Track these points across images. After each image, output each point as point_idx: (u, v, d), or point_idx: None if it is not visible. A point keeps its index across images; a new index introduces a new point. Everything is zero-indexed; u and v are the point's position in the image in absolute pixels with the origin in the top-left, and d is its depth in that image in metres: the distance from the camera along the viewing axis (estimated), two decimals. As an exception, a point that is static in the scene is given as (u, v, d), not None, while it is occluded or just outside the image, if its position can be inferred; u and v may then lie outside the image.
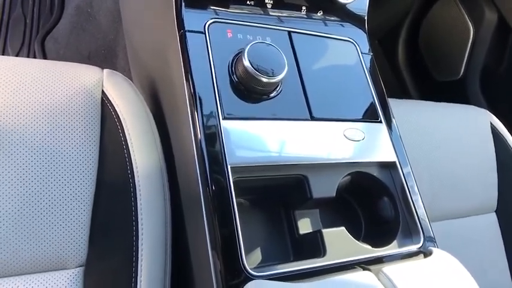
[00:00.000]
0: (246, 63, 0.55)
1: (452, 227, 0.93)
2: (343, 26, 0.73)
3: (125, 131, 0.60)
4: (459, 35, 1.45)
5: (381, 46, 1.75)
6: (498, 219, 1.00)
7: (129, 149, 0.59)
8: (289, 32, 0.66)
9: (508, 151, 1.06)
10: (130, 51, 0.89)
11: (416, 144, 0.91)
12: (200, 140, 0.53)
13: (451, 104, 1.11)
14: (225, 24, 0.62)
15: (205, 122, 0.54)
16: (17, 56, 1.13)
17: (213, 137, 0.53)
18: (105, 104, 0.62)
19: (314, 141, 0.58)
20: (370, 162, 0.61)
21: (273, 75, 0.56)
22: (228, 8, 0.63)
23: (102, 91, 0.63)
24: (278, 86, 0.59)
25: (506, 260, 1.00)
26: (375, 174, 0.62)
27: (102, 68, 0.68)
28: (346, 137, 0.61)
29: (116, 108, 0.62)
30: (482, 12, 1.40)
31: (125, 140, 0.60)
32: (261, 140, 0.55)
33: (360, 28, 0.74)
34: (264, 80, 0.55)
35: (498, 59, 1.44)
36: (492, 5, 1.40)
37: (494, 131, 1.07)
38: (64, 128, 0.57)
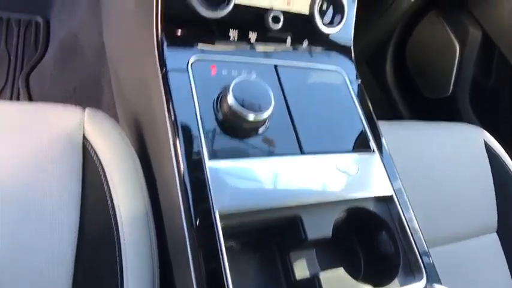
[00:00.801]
0: (231, 100, 0.53)
1: (453, 251, 0.90)
2: (329, 55, 0.71)
3: (108, 178, 0.57)
4: (446, 53, 1.46)
5: (369, 67, 1.75)
6: (500, 239, 0.98)
7: (112, 197, 0.56)
8: (275, 66, 0.65)
9: (503, 168, 1.04)
10: (116, 86, 0.87)
11: (410, 168, 0.89)
12: (185, 184, 0.51)
13: (443, 123, 1.10)
14: (208, 61, 0.60)
15: (189, 163, 0.52)
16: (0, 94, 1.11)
17: (198, 179, 0.51)
18: (87, 148, 0.59)
19: (306, 178, 0.56)
20: (366, 198, 0.59)
21: (260, 112, 0.54)
22: (211, 44, 0.61)
23: (84, 135, 0.60)
24: (266, 121, 0.57)
25: (511, 279, 0.97)
26: (371, 209, 0.59)
27: (88, 103, 0.65)
28: (339, 170, 0.59)
29: (98, 152, 0.59)
30: (467, 29, 1.41)
31: (108, 187, 0.57)
32: (250, 180, 0.52)
33: (346, 56, 0.73)
34: (251, 117, 0.53)
35: (486, 74, 1.44)
36: (475, 22, 1.42)
37: (489, 148, 1.06)
38: (42, 178, 0.54)
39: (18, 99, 1.09)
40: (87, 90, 0.96)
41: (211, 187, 0.50)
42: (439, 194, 0.90)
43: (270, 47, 0.66)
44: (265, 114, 0.54)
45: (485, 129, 1.10)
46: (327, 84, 0.69)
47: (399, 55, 1.65)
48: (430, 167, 0.93)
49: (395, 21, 1.63)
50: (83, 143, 0.59)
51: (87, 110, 0.63)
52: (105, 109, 0.93)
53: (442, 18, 1.49)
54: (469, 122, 1.46)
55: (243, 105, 0.53)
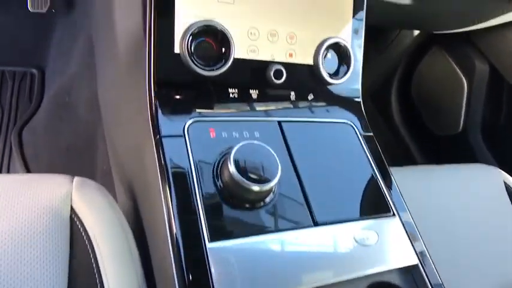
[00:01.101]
0: (232, 169, 0.47)
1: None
2: (336, 107, 0.66)
3: (96, 254, 0.51)
4: (453, 88, 1.41)
5: (374, 102, 1.71)
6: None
7: (101, 275, 0.50)
8: (279, 122, 0.60)
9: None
10: (110, 145, 0.82)
11: (429, 218, 0.82)
12: (182, 268, 0.44)
13: (459, 166, 1.04)
14: (207, 123, 0.55)
15: (187, 245, 0.45)
16: (-9, 153, 1.06)
17: (198, 264, 0.44)
18: (74, 222, 0.54)
19: (322, 254, 0.49)
20: (389, 270, 0.52)
21: (265, 182, 0.48)
22: (209, 105, 0.56)
23: (71, 207, 0.54)
24: (273, 189, 0.51)
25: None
26: (396, 283, 0.52)
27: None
28: (357, 241, 0.52)
29: (87, 227, 0.53)
30: (473, 63, 1.37)
31: (96, 264, 0.51)
32: (258, 263, 0.46)
33: (355, 106, 0.68)
34: (255, 188, 0.47)
35: (497, 108, 1.39)
36: (481, 56, 1.38)
37: (510, 190, 0.99)
38: (27, 255, 0.49)
39: (10, 156, 1.04)
40: (80, 148, 0.92)
41: (213, 273, 0.44)
42: (463, 247, 0.83)
43: (272, 103, 0.61)
44: (272, 184, 0.48)
45: (501, 166, 1.04)
46: (337, 138, 0.63)
47: (404, 91, 1.61)
48: (449, 215, 0.86)
49: (398, 57, 1.60)
50: (71, 215, 0.54)
51: (75, 180, 0.58)
52: (99, 169, 0.88)
53: (446, 53, 1.45)
54: (483, 159, 1.40)
55: (246, 176, 0.47)
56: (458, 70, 1.40)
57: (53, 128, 1.01)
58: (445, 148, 1.48)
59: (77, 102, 0.96)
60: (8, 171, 1.03)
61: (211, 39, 0.56)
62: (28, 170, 1.00)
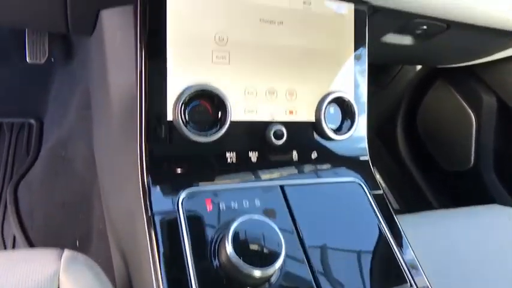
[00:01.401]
0: (230, 250, 0.43)
1: None
2: (342, 165, 0.62)
3: None
4: (461, 122, 1.37)
5: (380, 138, 1.67)
6: None
7: None
8: (282, 187, 0.55)
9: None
10: (105, 204, 0.78)
11: (448, 267, 0.76)
12: None
13: (475, 209, 0.98)
14: (202, 194, 0.51)
15: None
16: (-15, 210, 1.02)
17: None
18: None
19: None
20: None
21: (267, 265, 0.43)
22: (205, 172, 0.53)
23: (58, 286, 0.51)
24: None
25: None
26: None
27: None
28: (372, 324, 0.47)
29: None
30: (480, 97, 1.34)
31: None
32: None
33: (362, 163, 0.64)
34: (256, 274, 0.42)
35: (508, 142, 1.34)
36: (487, 88, 1.34)
37: (529, 232, 0.93)
38: None
39: (4, 213, 1.00)
40: (76, 205, 0.88)
41: None
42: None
43: (274, 166, 0.57)
44: (275, 268, 0.43)
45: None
46: (344, 199, 0.59)
47: (410, 125, 1.57)
48: (468, 261, 0.81)
49: (401, 91, 1.57)
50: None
51: (64, 256, 0.54)
52: (95, 228, 0.83)
53: (451, 86, 1.42)
54: (497, 195, 1.34)
55: (245, 257, 0.42)
56: (465, 104, 1.37)
57: (49, 183, 0.98)
58: (456, 184, 1.42)
59: (74, 156, 0.94)
60: (2, 229, 0.99)
61: (207, 102, 0.53)
62: (22, 228, 0.96)
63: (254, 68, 0.57)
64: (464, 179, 1.39)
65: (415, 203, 1.52)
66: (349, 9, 0.64)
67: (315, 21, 0.61)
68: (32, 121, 1.21)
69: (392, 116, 1.60)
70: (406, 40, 0.96)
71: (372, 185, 0.62)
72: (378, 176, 1.58)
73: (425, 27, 0.87)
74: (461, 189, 1.40)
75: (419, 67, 1.51)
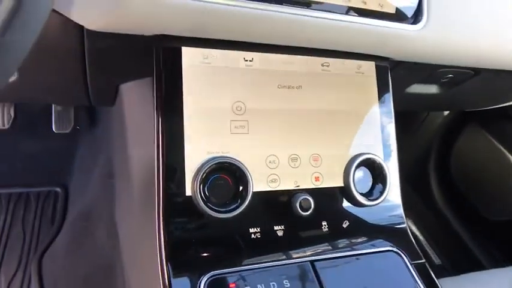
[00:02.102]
0: None
1: None
2: (377, 233, 0.57)
3: None
4: (499, 167, 1.29)
5: (412, 187, 1.59)
6: None
7: None
8: (312, 262, 0.51)
9: None
10: (126, 278, 0.75)
11: None
12: None
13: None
14: (226, 277, 0.46)
15: None
16: (10, 283, 1.00)
17: None
18: None
19: None
20: None
21: None
22: (228, 252, 0.49)
23: None
24: None
25: None
26: None
27: None
28: None
29: None
30: (515, 138, 1.26)
31: None
32: None
33: (400, 229, 0.58)
34: None
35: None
36: (523, 129, 1.27)
37: None
38: None
39: (29, 285, 0.98)
40: (98, 279, 0.85)
41: None
42: None
43: (302, 239, 0.53)
44: None
45: None
46: (381, 271, 0.53)
47: (443, 171, 1.49)
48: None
49: (431, 137, 1.52)
50: None
51: None
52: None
53: (484, 129, 1.35)
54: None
55: None
56: (501, 148, 1.29)
57: (72, 255, 0.96)
58: (497, 233, 1.31)
59: (96, 227, 0.92)
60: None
61: (227, 175, 0.51)
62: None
63: (274, 135, 0.54)
64: (508, 228, 1.28)
65: (457, 256, 1.40)
66: (370, 66, 0.62)
67: (335, 83, 0.58)
68: (58, 189, 1.22)
69: (423, 162, 1.53)
70: (432, 89, 0.93)
71: (412, 253, 0.56)
72: (413, 228, 1.49)
73: (451, 75, 0.84)
74: (504, 238, 1.28)
75: (447, 112, 1.46)
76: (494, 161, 1.30)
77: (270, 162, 0.53)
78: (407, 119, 1.51)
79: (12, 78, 0.64)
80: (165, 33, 0.49)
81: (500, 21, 0.64)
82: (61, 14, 0.47)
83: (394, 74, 0.75)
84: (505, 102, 1.16)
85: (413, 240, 0.58)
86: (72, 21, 0.47)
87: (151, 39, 0.50)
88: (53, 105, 1.15)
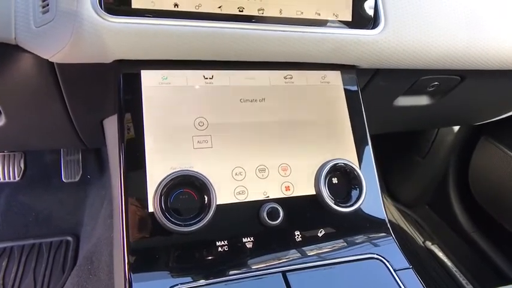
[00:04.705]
0: None
1: None
2: (358, 240, 0.54)
3: None
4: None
5: (433, 209, 1.51)
6: None
7: None
8: (284, 274, 0.48)
9: None
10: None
11: None
12: None
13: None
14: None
15: None
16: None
17: None
18: None
19: None
20: None
21: None
22: (195, 267, 0.48)
23: None
24: None
25: None
26: None
27: None
28: None
29: None
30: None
31: None
32: None
33: (383, 234, 0.55)
34: None
35: None
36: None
37: None
38: None
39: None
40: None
41: None
42: None
43: (273, 251, 0.51)
44: None
45: None
46: (363, 281, 0.50)
47: (464, 191, 1.42)
48: None
49: (445, 156, 1.46)
50: None
51: None
52: None
53: (497, 142, 1.29)
54: None
55: None
56: (518, 159, 1.22)
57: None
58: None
59: (99, 268, 0.92)
60: None
61: (191, 189, 0.51)
62: None
63: (240, 148, 0.54)
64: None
65: (489, 279, 1.29)
66: (336, 76, 0.62)
67: (299, 93, 0.59)
68: (69, 238, 1.24)
69: (442, 184, 1.47)
70: (422, 100, 0.91)
71: (397, 260, 0.52)
72: (440, 254, 1.40)
73: (436, 83, 0.83)
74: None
75: (456, 128, 1.41)
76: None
77: (236, 174, 0.53)
78: (416, 140, 1.47)
79: (0, 123, 0.68)
80: (121, 58, 0.52)
81: (459, 20, 0.64)
82: (28, 51, 0.51)
83: (374, 86, 0.75)
84: (508, 112, 1.11)
85: (399, 247, 0.55)
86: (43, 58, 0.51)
87: (112, 65, 0.53)
88: (62, 155, 1.21)
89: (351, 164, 0.56)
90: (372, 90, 0.75)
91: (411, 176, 1.51)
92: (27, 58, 0.54)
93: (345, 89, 0.62)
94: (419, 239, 1.45)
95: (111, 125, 0.70)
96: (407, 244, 1.42)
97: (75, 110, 0.67)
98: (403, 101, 0.88)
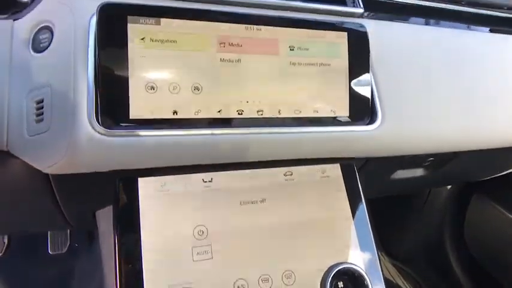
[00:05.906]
0: None
1: None
2: None
3: None
4: (514, 238, 1.21)
5: (432, 267, 1.49)
6: None
7: None
8: None
9: None
10: None
11: None
12: None
13: None
14: None
15: None
16: None
17: None
18: None
19: None
20: None
21: None
22: None
23: None
24: None
25: None
26: None
27: None
28: None
29: None
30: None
31: None
32: None
33: None
34: None
35: None
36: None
37: None
38: None
39: None
40: None
41: None
42: None
43: None
44: None
45: None
46: None
47: (461, 248, 1.40)
48: None
49: (440, 210, 1.45)
50: None
51: None
52: None
53: (490, 200, 1.30)
54: None
55: None
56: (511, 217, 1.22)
57: None
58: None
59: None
60: None
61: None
62: None
63: (241, 256, 0.52)
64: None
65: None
66: (335, 169, 0.61)
67: (299, 191, 0.58)
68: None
69: (438, 241, 1.45)
70: (417, 172, 0.91)
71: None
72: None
73: (431, 158, 0.83)
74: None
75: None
76: (508, 233, 1.22)
77: (238, 287, 0.50)
78: (410, 198, 1.47)
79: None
80: (119, 169, 0.50)
81: (453, 108, 0.65)
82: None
83: (369, 167, 0.74)
84: (505, 171, 1.12)
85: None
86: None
87: (110, 172, 0.51)
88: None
89: (358, 270, 0.54)
90: (366, 171, 0.74)
91: (407, 232, 1.49)
92: (19, 164, 0.52)
93: (345, 182, 0.61)
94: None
95: (104, 217, 0.67)
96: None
97: (66, 203, 0.64)
98: (400, 174, 0.88)
